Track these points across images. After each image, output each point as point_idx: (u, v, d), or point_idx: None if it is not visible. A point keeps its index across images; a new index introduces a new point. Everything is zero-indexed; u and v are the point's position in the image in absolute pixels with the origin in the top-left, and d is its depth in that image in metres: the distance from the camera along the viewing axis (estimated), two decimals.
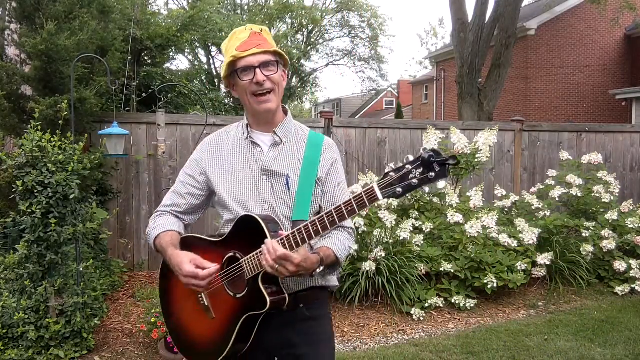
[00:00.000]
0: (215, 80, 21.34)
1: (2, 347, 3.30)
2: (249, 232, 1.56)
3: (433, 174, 1.32)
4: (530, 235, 4.88)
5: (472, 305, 4.53)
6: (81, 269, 3.68)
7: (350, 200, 1.44)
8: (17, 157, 3.38)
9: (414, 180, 1.33)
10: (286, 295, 1.58)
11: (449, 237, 4.87)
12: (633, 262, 5.12)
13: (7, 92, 4.29)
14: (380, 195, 1.37)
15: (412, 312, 4.34)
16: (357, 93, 37.29)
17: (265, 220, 1.55)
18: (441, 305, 4.52)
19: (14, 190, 3.40)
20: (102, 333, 3.93)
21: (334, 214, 1.45)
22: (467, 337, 3.99)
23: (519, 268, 4.67)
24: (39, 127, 3.49)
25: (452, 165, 1.33)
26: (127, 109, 6.78)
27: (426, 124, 5.99)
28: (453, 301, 4.56)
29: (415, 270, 4.49)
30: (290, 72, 24.39)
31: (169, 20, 9.46)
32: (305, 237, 1.49)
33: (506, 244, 4.81)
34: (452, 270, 4.55)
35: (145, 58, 8.30)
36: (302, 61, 27.86)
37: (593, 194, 5.54)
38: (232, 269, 1.60)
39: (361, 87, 44.34)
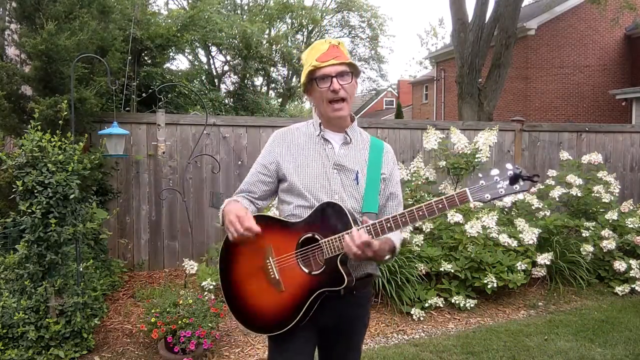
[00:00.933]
0: (215, 80, 21.33)
1: (2, 347, 3.29)
2: (330, 217, 1.73)
3: (517, 187, 1.53)
4: (530, 235, 4.88)
5: (472, 305, 4.53)
6: (81, 269, 3.67)
7: (442, 198, 1.63)
8: (17, 157, 3.37)
9: (501, 190, 1.55)
10: (354, 277, 1.76)
11: (449, 237, 4.87)
12: (633, 262, 5.12)
13: (7, 92, 4.28)
14: (470, 198, 1.58)
15: (412, 312, 4.34)
16: (357, 93, 37.26)
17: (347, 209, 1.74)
18: (441, 305, 4.52)
19: (14, 190, 3.40)
20: (102, 333, 3.93)
21: (424, 209, 1.63)
22: (467, 337, 3.99)
23: (519, 268, 4.67)
24: (39, 127, 3.49)
25: (535, 183, 1.56)
26: (127, 109, 6.79)
27: (426, 124, 5.99)
28: (453, 301, 4.56)
29: (415, 270, 4.49)
30: (290, 72, 24.39)
31: (169, 20, 9.47)
32: (393, 226, 1.66)
33: (506, 244, 4.81)
34: (452, 270, 4.55)
35: (145, 58, 8.31)
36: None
37: (593, 194, 5.55)
38: (309, 248, 1.75)
39: (361, 87, 44.31)
